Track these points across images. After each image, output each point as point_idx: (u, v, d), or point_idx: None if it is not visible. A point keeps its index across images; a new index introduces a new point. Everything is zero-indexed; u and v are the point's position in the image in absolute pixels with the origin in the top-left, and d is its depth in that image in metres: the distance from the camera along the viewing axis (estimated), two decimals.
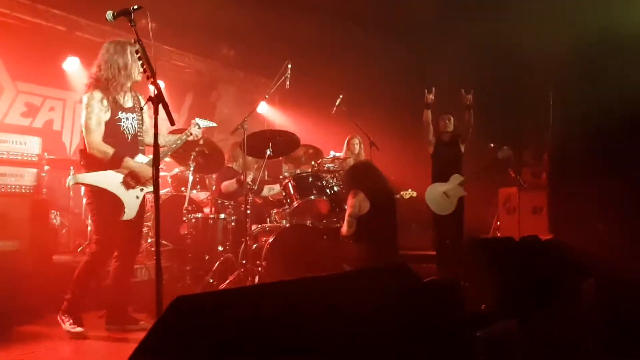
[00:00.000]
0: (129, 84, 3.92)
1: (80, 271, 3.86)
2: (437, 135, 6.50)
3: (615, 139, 6.56)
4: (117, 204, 3.78)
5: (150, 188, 3.89)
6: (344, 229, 4.90)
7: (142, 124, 4.05)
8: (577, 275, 3.81)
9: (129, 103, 3.96)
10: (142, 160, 3.92)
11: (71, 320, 3.76)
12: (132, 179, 3.83)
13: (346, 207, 4.98)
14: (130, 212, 3.83)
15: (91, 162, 3.78)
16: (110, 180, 3.78)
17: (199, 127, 4.40)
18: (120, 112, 3.86)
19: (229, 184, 5.94)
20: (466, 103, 6.32)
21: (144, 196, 3.97)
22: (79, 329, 3.74)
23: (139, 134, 4.00)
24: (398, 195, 6.55)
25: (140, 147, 4.01)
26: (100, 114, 3.76)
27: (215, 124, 4.74)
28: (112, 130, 3.81)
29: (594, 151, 6.96)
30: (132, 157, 3.86)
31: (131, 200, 3.84)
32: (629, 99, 6.21)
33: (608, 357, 3.34)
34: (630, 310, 3.62)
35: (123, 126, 3.88)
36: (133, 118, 3.95)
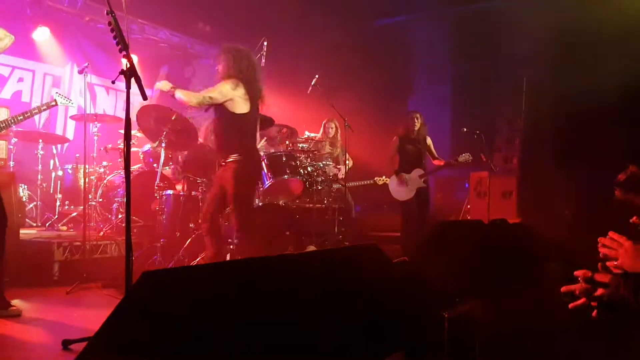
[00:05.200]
0: None
1: None
2: (404, 133, 6.62)
3: (584, 127, 6.70)
4: None
5: None
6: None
7: None
8: (542, 258, 3.91)
9: None
10: None
11: None
12: None
13: None
14: None
15: None
16: None
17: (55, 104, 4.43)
18: None
19: None
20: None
21: None
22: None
23: None
24: (372, 181, 6.79)
25: None
26: None
27: (71, 103, 4.83)
28: None
29: (564, 139, 7.11)
30: None
31: None
32: (600, 89, 6.33)
33: (568, 338, 3.45)
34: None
35: None
36: None
